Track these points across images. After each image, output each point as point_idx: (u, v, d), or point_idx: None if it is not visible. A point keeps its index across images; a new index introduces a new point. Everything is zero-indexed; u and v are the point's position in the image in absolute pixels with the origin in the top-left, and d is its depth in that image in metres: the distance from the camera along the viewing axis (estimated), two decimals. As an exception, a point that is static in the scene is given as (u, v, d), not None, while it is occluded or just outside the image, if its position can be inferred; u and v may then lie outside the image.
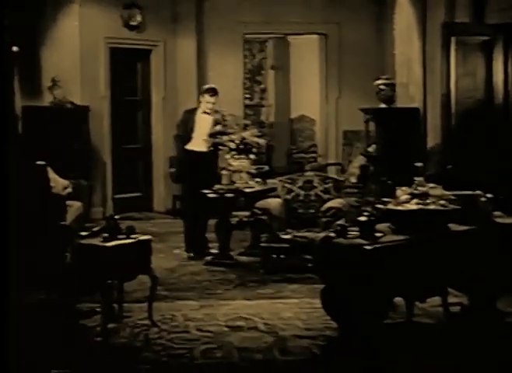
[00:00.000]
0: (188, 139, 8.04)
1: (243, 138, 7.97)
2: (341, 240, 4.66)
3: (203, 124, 8.03)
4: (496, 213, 5.42)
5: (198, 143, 8.00)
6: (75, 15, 10.17)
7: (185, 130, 8.09)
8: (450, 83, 7.84)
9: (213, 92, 8.09)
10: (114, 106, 10.73)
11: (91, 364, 4.77)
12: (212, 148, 7.99)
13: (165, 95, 11.17)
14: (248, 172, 7.97)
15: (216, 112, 8.09)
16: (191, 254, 7.98)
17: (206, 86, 8.44)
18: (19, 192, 4.74)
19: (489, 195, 5.38)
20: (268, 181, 8.33)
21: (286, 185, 7.72)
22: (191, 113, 8.18)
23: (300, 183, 7.69)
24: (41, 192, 5.24)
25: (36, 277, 5.24)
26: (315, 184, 7.67)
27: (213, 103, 8.07)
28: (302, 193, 7.64)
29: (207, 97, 8.05)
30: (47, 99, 9.88)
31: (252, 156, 8.04)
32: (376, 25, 11.36)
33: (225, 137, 7.97)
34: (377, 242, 4.59)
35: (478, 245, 5.10)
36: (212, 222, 7.97)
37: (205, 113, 8.06)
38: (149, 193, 11.29)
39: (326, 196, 7.57)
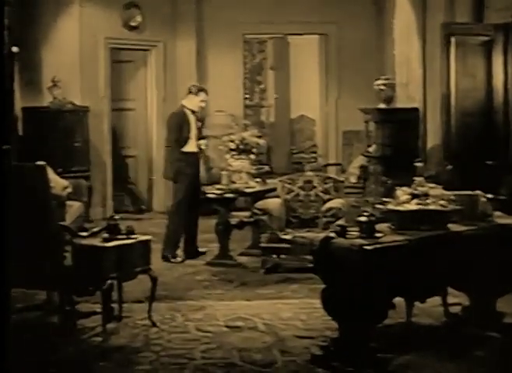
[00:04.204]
0: (185, 141, 7.89)
1: (243, 138, 7.98)
2: (341, 240, 4.66)
3: (195, 124, 7.98)
4: (496, 213, 5.42)
5: (194, 144, 7.96)
6: (75, 16, 10.18)
7: (181, 133, 7.88)
8: (450, 83, 7.84)
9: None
10: (114, 106, 10.75)
11: (91, 364, 4.76)
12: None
13: (165, 96, 11.17)
14: (248, 173, 7.97)
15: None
16: (179, 258, 7.83)
17: (199, 85, 8.32)
18: (19, 192, 4.73)
19: (489, 195, 5.38)
20: (268, 181, 8.34)
21: (286, 185, 7.72)
22: (183, 115, 7.94)
23: (300, 183, 7.69)
24: (41, 192, 5.23)
25: (36, 278, 5.24)
26: (315, 184, 7.67)
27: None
28: (302, 193, 7.64)
29: (203, 95, 7.97)
30: (46, 100, 9.88)
31: (252, 156, 8.05)
32: (375, 25, 11.37)
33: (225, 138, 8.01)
34: (377, 243, 4.59)
35: (478, 246, 5.09)
36: (212, 222, 7.99)
37: (192, 112, 7.95)
38: (148, 194, 11.29)
39: (326, 197, 7.57)
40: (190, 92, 7.98)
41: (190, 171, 7.91)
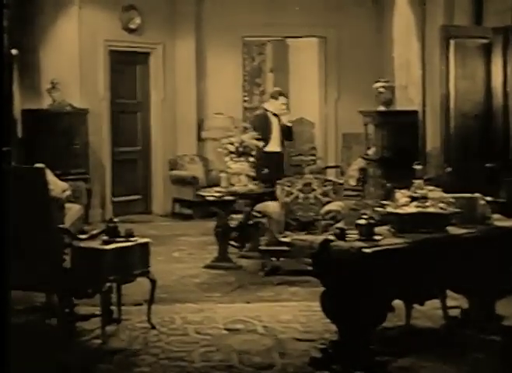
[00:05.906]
0: (267, 142, 8.52)
1: (243, 141, 7.98)
2: (340, 243, 4.66)
3: (276, 125, 8.78)
4: (496, 216, 5.42)
5: (275, 143, 8.77)
6: (75, 18, 10.17)
7: (264, 133, 8.44)
8: (449, 86, 7.84)
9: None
10: (113, 108, 10.74)
11: (90, 366, 4.76)
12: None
13: (164, 98, 11.18)
14: (247, 175, 7.97)
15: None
16: None
17: (279, 90, 9.15)
18: (18, 195, 4.73)
19: (488, 198, 5.38)
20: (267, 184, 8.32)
21: (285, 188, 7.71)
22: (265, 117, 8.77)
23: (299, 186, 7.69)
24: (40, 195, 5.22)
25: (35, 280, 5.23)
26: (314, 187, 7.67)
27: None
28: (301, 195, 7.64)
29: (283, 99, 8.81)
30: (46, 102, 9.88)
31: (251, 159, 8.05)
32: (375, 28, 11.37)
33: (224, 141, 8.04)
34: (376, 245, 4.59)
35: (477, 248, 5.09)
36: (211, 225, 7.99)
37: (274, 115, 8.76)
38: (148, 196, 11.29)
39: (325, 199, 7.57)
40: (272, 97, 8.86)
41: (272, 169, 8.46)
